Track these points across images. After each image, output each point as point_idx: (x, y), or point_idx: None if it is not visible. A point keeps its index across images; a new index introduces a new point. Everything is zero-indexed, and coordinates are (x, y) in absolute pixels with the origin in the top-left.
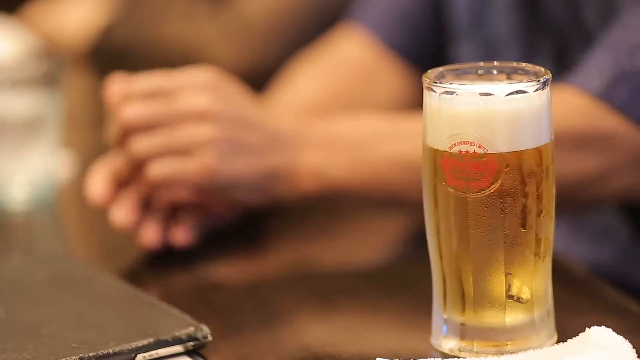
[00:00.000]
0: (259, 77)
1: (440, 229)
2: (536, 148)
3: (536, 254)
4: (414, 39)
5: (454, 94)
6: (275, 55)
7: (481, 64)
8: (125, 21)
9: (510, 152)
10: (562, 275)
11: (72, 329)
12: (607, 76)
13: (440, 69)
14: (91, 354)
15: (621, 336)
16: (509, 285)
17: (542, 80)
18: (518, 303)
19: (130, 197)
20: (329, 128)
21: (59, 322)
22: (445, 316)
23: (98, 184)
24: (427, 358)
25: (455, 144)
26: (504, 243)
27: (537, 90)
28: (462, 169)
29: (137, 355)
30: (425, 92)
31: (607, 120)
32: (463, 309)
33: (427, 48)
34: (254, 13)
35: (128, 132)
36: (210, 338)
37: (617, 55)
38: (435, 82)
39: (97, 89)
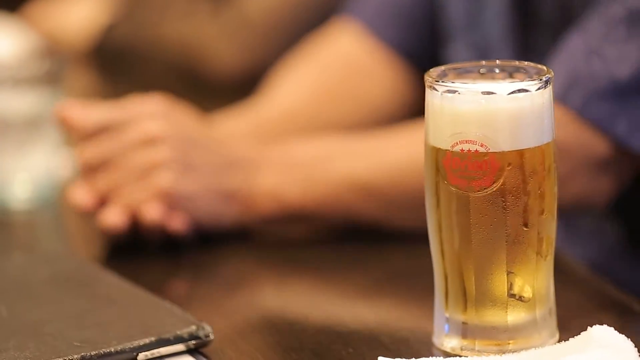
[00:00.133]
0: (260, 76)
1: (442, 228)
2: (538, 147)
3: (538, 253)
4: (409, 35)
5: (456, 92)
6: (276, 54)
7: (483, 62)
8: (127, 20)
9: (512, 150)
10: (564, 274)
11: (74, 327)
12: (562, 81)
13: (442, 67)
14: (93, 353)
15: (623, 335)
16: (511, 284)
17: (544, 78)
18: (520, 302)
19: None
20: (283, 151)
21: (61, 320)
22: (447, 315)
23: (82, 194)
24: (429, 357)
25: (457, 143)
26: (506, 242)
27: (539, 88)
28: (464, 167)
29: (139, 354)
30: (428, 90)
31: (561, 125)
32: (465, 308)
33: (422, 44)
34: (255, 12)
35: (87, 172)
36: (212, 337)
37: (574, 59)
38: (438, 81)
39: (99, 88)
